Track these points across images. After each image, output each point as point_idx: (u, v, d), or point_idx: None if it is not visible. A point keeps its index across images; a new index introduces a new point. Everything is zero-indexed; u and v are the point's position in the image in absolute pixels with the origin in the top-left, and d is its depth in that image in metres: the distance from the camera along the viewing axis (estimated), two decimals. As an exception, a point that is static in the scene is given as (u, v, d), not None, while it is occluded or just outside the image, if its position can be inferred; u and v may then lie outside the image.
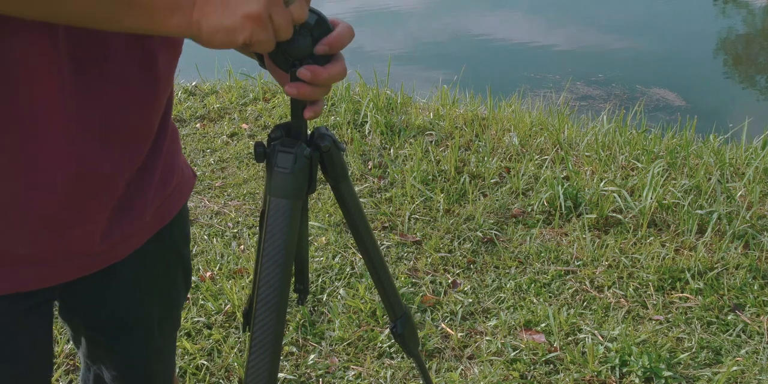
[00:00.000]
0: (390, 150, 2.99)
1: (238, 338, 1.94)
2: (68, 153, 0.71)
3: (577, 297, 2.10)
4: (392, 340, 1.90)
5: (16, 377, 0.83)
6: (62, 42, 0.65)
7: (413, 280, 2.17)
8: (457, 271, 2.22)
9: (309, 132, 0.80)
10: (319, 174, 0.82)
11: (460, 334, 1.94)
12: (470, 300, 2.07)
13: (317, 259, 2.27)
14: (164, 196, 0.91)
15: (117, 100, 0.73)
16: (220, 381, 1.80)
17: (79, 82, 0.68)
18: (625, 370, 1.79)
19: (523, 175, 2.73)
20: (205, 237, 2.42)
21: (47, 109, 0.67)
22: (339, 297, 2.09)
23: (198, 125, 3.39)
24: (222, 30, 0.61)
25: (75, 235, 0.78)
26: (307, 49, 0.69)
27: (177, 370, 1.14)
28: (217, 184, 2.81)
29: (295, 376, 1.81)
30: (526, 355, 1.85)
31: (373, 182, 2.75)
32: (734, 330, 1.94)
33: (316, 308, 2.06)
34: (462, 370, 1.82)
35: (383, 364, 1.84)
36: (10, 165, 0.69)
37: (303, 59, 0.69)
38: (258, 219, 2.54)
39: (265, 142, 0.77)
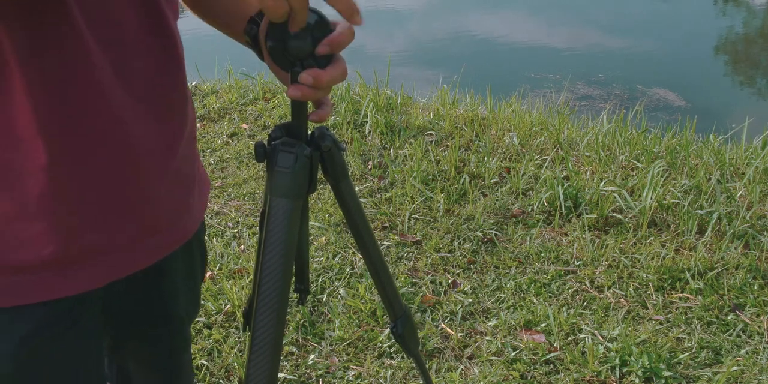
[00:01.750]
0: (390, 150, 2.99)
1: (238, 338, 1.94)
2: (120, 127, 0.70)
3: (577, 297, 2.10)
4: (392, 340, 1.90)
5: None
6: (81, 23, 0.64)
7: (413, 280, 2.17)
8: (457, 271, 2.22)
9: (309, 132, 0.80)
10: (320, 174, 0.82)
11: (460, 334, 1.94)
12: (470, 300, 2.07)
13: (317, 259, 2.27)
14: (204, 181, 0.92)
15: (148, 72, 0.72)
16: (220, 381, 1.80)
17: (108, 61, 0.67)
18: (625, 370, 1.79)
19: (523, 175, 2.73)
20: (206, 237, 2.42)
21: (92, 89, 0.66)
22: (339, 297, 2.09)
23: (198, 125, 3.39)
24: None
25: (145, 214, 0.77)
26: (307, 49, 0.69)
27: None
28: (217, 184, 2.81)
29: (295, 376, 1.81)
30: (526, 355, 1.85)
31: (373, 182, 2.75)
32: (734, 330, 1.94)
33: (316, 308, 2.06)
34: (462, 370, 1.82)
35: (383, 364, 1.84)
36: (93, 149, 0.68)
37: (304, 59, 0.69)
38: (258, 219, 2.54)
39: (265, 142, 0.77)
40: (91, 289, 0.77)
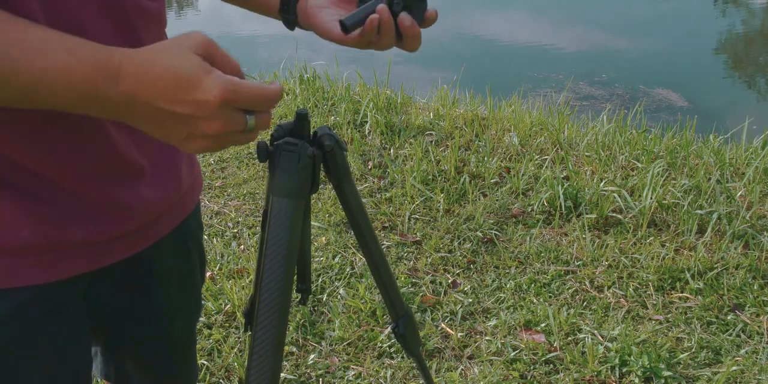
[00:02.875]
0: (390, 150, 2.99)
1: (238, 338, 1.94)
2: (104, 130, 0.71)
3: (577, 297, 2.10)
4: (392, 340, 1.90)
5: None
6: (40, 16, 0.63)
7: (413, 280, 2.17)
8: (457, 271, 2.22)
9: (311, 132, 0.80)
10: (322, 174, 0.82)
11: (460, 334, 1.94)
12: (470, 300, 2.08)
13: (317, 259, 2.27)
14: (192, 177, 0.92)
15: None
16: (221, 381, 1.80)
17: None
18: (624, 369, 1.79)
19: (523, 175, 2.73)
20: (205, 237, 2.43)
21: None
22: (339, 297, 2.09)
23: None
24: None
25: (121, 199, 0.76)
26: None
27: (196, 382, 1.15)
28: (217, 184, 2.81)
29: (295, 375, 1.81)
30: (526, 355, 1.85)
31: (373, 182, 2.75)
32: (734, 330, 1.94)
33: (316, 308, 2.07)
34: (462, 369, 1.82)
35: (383, 363, 1.84)
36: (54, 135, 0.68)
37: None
38: (258, 218, 2.54)
39: (267, 142, 0.77)
40: (71, 276, 0.77)
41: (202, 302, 2.06)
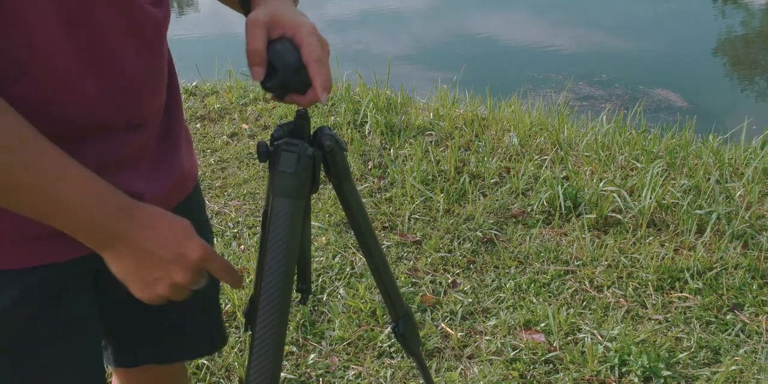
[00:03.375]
0: (390, 150, 3.00)
1: (239, 338, 1.94)
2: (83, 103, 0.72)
3: (577, 297, 2.11)
4: (392, 340, 1.90)
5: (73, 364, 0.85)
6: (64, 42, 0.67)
7: (413, 280, 2.17)
8: (457, 271, 2.22)
9: (312, 132, 0.80)
10: (322, 174, 0.82)
11: (459, 334, 1.94)
12: (470, 300, 2.08)
13: (317, 259, 2.27)
14: (191, 161, 0.95)
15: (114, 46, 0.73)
16: (221, 381, 1.80)
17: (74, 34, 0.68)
18: (624, 369, 1.79)
19: (522, 175, 2.73)
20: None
21: (55, 58, 0.67)
22: (339, 297, 2.10)
23: (198, 125, 3.40)
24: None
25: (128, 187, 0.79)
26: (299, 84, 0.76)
27: (226, 342, 1.17)
28: (217, 184, 2.82)
29: (295, 375, 1.82)
30: (525, 354, 1.86)
31: (373, 182, 2.75)
32: (733, 329, 1.94)
33: (316, 308, 2.07)
34: (462, 369, 1.83)
35: (383, 363, 1.85)
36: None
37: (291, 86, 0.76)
38: (259, 218, 2.55)
39: (268, 142, 0.77)
40: (78, 256, 0.78)
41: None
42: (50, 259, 0.77)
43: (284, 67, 0.74)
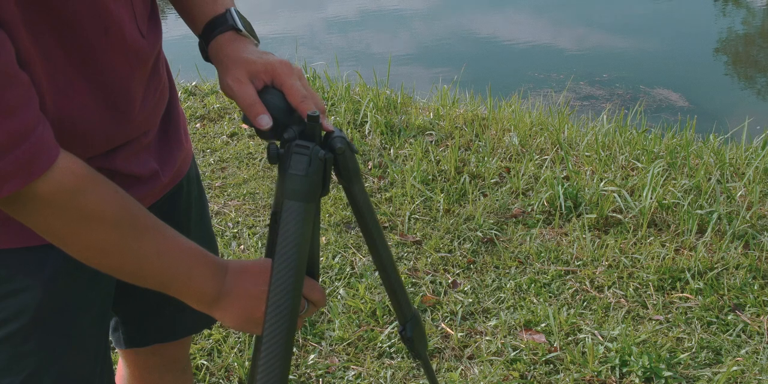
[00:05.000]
0: (390, 150, 2.99)
1: (238, 338, 1.94)
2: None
3: (577, 297, 2.10)
4: (392, 340, 1.90)
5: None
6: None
7: (413, 280, 2.17)
8: (457, 271, 2.22)
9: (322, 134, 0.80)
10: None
11: (460, 334, 1.94)
12: (470, 300, 2.07)
13: (317, 259, 2.27)
14: (187, 139, 1.03)
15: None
16: (220, 381, 1.80)
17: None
18: (625, 370, 1.79)
19: (523, 175, 2.73)
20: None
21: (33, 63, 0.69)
22: (339, 297, 2.09)
23: (198, 125, 3.39)
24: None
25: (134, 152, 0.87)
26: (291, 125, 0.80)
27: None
28: (217, 184, 2.81)
29: (295, 376, 1.81)
30: (526, 355, 1.85)
31: (373, 182, 2.75)
32: (734, 330, 1.94)
33: (316, 308, 2.06)
34: (462, 370, 1.82)
35: (383, 364, 1.84)
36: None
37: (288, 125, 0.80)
38: (259, 219, 2.54)
39: (276, 144, 0.76)
40: None
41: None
42: None
43: (279, 113, 0.79)
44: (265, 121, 0.79)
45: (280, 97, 0.80)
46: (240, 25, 0.87)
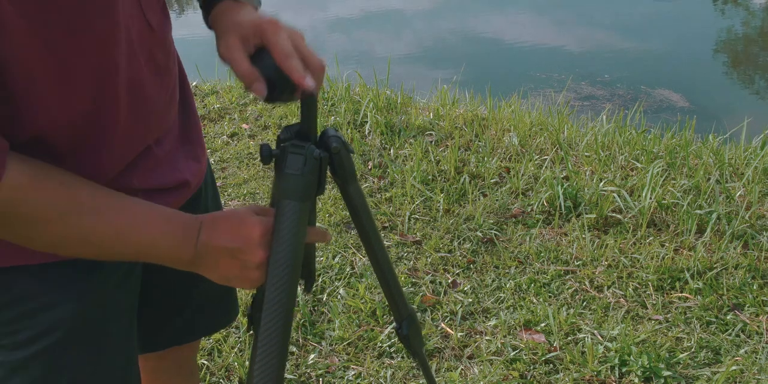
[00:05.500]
0: (390, 150, 3.00)
1: (239, 338, 1.94)
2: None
3: (577, 297, 2.10)
4: (392, 340, 1.90)
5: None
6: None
7: (413, 280, 2.17)
8: (457, 271, 2.22)
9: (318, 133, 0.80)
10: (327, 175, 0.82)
11: (459, 334, 1.94)
12: (470, 300, 2.08)
13: (317, 259, 2.27)
14: (203, 150, 1.01)
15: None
16: (221, 381, 1.80)
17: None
18: (624, 369, 1.79)
19: (522, 175, 2.73)
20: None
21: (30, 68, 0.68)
22: (339, 297, 2.10)
23: (198, 125, 3.39)
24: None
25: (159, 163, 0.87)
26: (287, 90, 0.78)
27: (237, 314, 1.25)
28: (217, 184, 2.81)
29: (295, 375, 1.81)
30: (525, 354, 1.86)
31: (373, 182, 2.75)
32: (733, 330, 1.94)
33: (316, 308, 2.07)
34: (462, 369, 1.82)
35: (383, 363, 1.85)
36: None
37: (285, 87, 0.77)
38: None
39: (269, 144, 0.77)
40: None
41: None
42: None
43: (273, 74, 0.76)
44: (261, 90, 0.76)
45: (271, 59, 0.77)
46: None
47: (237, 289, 1.22)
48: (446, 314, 2.03)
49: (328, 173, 0.82)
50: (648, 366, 1.77)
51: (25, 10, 0.61)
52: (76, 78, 0.69)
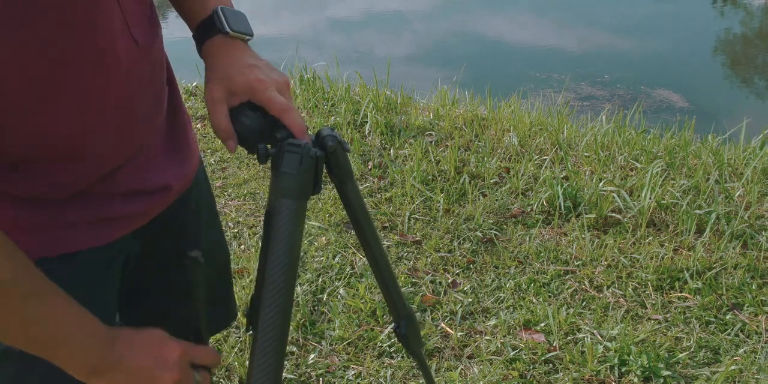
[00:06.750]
0: (390, 150, 3.00)
1: (239, 338, 1.94)
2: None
3: (577, 297, 2.11)
4: (392, 340, 1.91)
5: None
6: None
7: (413, 280, 2.18)
8: (457, 271, 2.22)
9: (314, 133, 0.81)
10: (324, 174, 0.82)
11: (459, 334, 1.95)
12: (470, 300, 2.08)
13: (317, 259, 2.27)
14: (195, 145, 0.99)
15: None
16: (221, 381, 1.81)
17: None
18: (624, 369, 1.80)
19: (522, 175, 2.74)
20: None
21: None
22: (339, 297, 2.10)
23: (198, 125, 3.40)
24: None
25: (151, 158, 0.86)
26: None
27: (236, 316, 1.25)
28: (217, 184, 2.82)
29: (295, 375, 1.82)
30: (525, 354, 1.86)
31: (373, 182, 2.76)
32: (732, 329, 1.95)
33: (316, 308, 2.07)
34: (462, 369, 1.83)
35: (383, 363, 1.85)
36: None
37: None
38: (259, 218, 2.55)
39: (267, 144, 0.77)
40: (112, 240, 0.85)
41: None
42: (89, 244, 0.82)
43: (251, 134, 0.81)
44: (232, 147, 0.81)
45: (254, 117, 0.81)
46: (227, 28, 0.85)
47: (234, 289, 1.22)
48: (446, 314, 2.03)
49: (325, 172, 0.83)
50: (647, 366, 1.77)
51: (2, 35, 0.60)
52: (60, 99, 0.69)
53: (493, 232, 2.41)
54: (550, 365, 1.84)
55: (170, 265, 1.00)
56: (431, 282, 2.17)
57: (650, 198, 2.45)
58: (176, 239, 0.99)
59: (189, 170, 0.97)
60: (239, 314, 1.26)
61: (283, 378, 1.79)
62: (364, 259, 2.27)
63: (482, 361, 1.85)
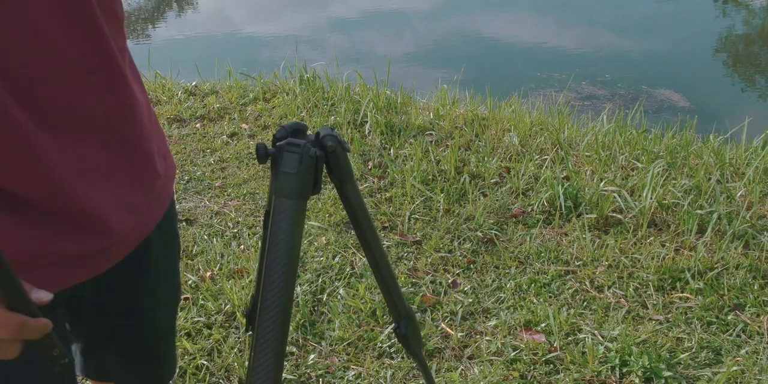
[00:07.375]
0: (390, 150, 2.99)
1: (238, 338, 1.94)
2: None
3: (577, 297, 2.10)
4: (392, 340, 1.90)
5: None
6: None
7: (413, 280, 2.17)
8: (457, 271, 2.22)
9: (314, 132, 0.80)
10: (324, 174, 0.81)
11: (460, 334, 1.94)
12: (470, 300, 2.08)
13: (317, 258, 2.27)
14: (165, 174, 0.90)
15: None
16: (220, 381, 1.80)
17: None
18: (625, 370, 1.79)
19: (523, 175, 2.73)
20: (205, 237, 2.43)
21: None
22: (339, 297, 2.09)
23: (198, 125, 3.39)
24: None
25: (105, 209, 0.78)
26: None
27: (177, 370, 1.18)
28: (217, 184, 2.81)
29: (295, 376, 1.81)
30: (526, 355, 1.85)
31: (373, 182, 2.75)
32: (734, 330, 1.94)
33: (316, 308, 2.07)
34: (462, 370, 1.82)
35: (383, 364, 1.84)
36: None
37: None
38: (259, 218, 2.54)
39: (266, 143, 0.77)
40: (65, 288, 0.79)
41: (202, 302, 2.06)
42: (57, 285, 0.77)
43: None
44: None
45: None
46: None
47: (175, 348, 1.16)
48: (446, 314, 2.03)
49: (325, 172, 0.82)
50: (649, 366, 1.77)
51: None
52: None
53: (493, 232, 2.40)
54: (551, 366, 1.83)
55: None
56: (431, 282, 2.16)
57: (651, 198, 2.45)
58: (112, 300, 0.95)
59: (146, 216, 0.87)
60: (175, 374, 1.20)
61: (282, 378, 1.78)
62: (364, 259, 2.26)
63: (483, 361, 1.84)
